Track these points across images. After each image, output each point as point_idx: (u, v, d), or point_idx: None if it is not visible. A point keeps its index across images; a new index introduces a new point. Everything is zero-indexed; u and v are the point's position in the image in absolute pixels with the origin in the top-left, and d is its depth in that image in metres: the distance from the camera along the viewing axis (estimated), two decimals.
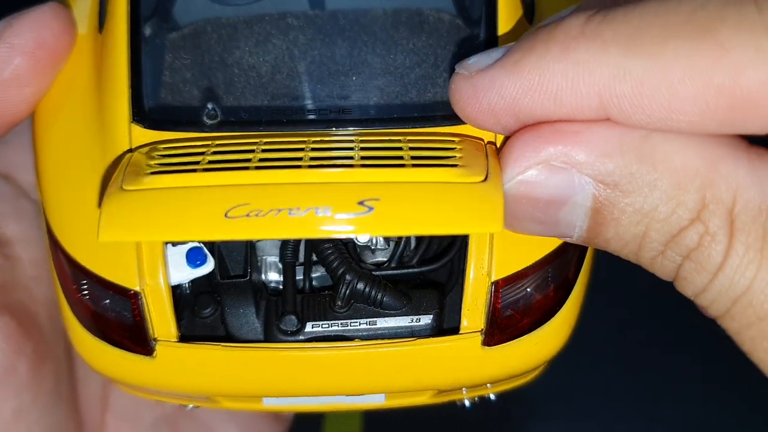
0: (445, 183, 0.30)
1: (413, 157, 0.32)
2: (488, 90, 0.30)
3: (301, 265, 0.39)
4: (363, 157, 0.32)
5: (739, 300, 0.28)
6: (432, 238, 0.39)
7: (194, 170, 0.31)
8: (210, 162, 0.32)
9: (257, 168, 0.31)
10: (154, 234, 0.30)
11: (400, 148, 0.33)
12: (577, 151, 0.29)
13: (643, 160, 0.29)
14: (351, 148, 0.32)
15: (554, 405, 1.51)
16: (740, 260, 0.28)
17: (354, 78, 0.37)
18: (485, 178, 0.31)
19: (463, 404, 0.42)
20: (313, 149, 0.32)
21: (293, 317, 0.37)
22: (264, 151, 0.33)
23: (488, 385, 0.41)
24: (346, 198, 0.29)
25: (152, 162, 0.33)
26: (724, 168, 0.28)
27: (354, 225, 0.29)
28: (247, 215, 0.29)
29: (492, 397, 0.42)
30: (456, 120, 0.33)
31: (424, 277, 0.39)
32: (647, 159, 0.29)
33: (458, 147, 0.33)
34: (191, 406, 0.42)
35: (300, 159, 0.31)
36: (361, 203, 0.29)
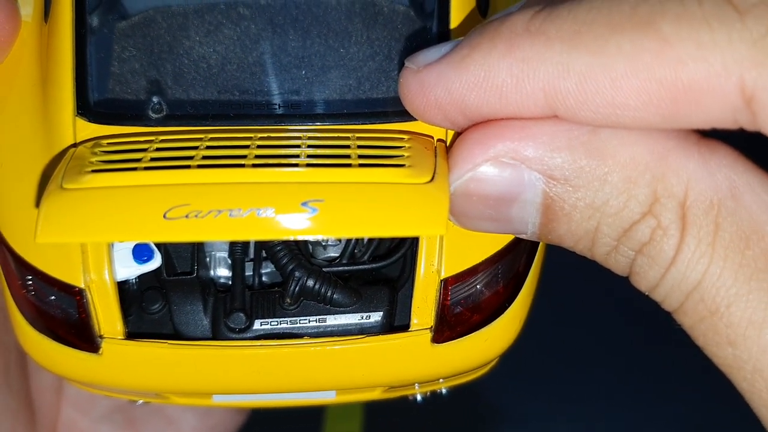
0: (390, 184, 0.30)
1: (360, 156, 0.31)
2: (435, 85, 0.30)
3: (251, 261, 0.38)
4: (309, 156, 0.31)
5: (691, 295, 0.28)
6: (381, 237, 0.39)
7: (135, 168, 0.31)
8: (152, 159, 0.31)
9: (199, 167, 0.30)
10: (92, 235, 0.30)
11: (347, 146, 0.32)
12: (526, 146, 0.29)
13: (592, 154, 0.29)
14: (297, 146, 0.32)
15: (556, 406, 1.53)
16: (692, 254, 0.28)
17: (305, 71, 0.36)
18: (432, 179, 0.31)
19: (415, 398, 0.42)
20: (259, 146, 0.32)
21: (241, 314, 0.36)
22: (208, 148, 0.32)
23: (440, 380, 0.41)
24: (289, 199, 0.29)
25: (94, 159, 0.32)
26: (674, 161, 0.28)
27: (297, 227, 0.28)
28: (186, 216, 0.28)
29: (443, 391, 0.42)
30: (408, 116, 0.33)
31: (375, 274, 0.38)
32: (596, 153, 0.29)
33: (407, 146, 0.33)
34: (141, 401, 0.42)
35: (244, 157, 0.31)
36: (304, 204, 0.29)
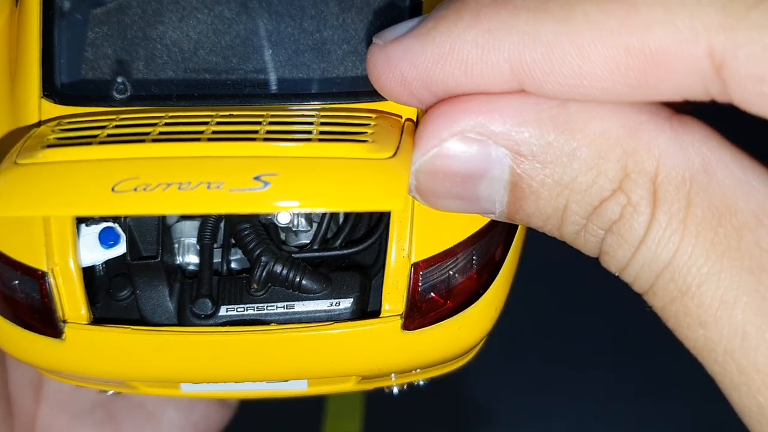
0: (349, 158, 0.29)
1: (322, 132, 0.30)
2: (401, 59, 0.29)
3: (220, 248, 0.38)
4: (269, 132, 0.30)
5: (662, 274, 0.27)
6: (357, 220, 0.38)
7: (89, 143, 0.30)
8: (109, 135, 0.31)
9: (154, 141, 0.29)
10: (41, 208, 0.29)
11: (310, 123, 0.31)
12: (492, 121, 0.28)
13: (561, 128, 0.27)
14: (259, 122, 0.31)
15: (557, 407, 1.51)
16: (663, 231, 0.26)
17: (272, 51, 0.35)
18: (394, 154, 0.29)
19: (391, 391, 0.41)
20: (219, 123, 0.31)
21: (207, 300, 0.35)
22: (167, 124, 0.31)
23: (417, 370, 0.39)
24: (241, 172, 0.28)
25: (52, 136, 0.32)
26: (645, 135, 0.27)
27: (248, 201, 0.27)
28: (135, 189, 0.27)
29: (421, 383, 0.41)
30: (378, 96, 0.32)
31: (348, 261, 0.37)
32: (565, 127, 0.27)
33: (372, 123, 0.32)
34: (111, 391, 0.41)
35: (201, 132, 0.30)
36: (257, 178, 0.28)
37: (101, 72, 0.36)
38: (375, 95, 0.32)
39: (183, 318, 0.36)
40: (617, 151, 0.27)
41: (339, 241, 0.37)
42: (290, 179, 0.28)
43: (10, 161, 0.30)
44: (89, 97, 0.35)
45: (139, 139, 0.30)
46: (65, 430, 0.49)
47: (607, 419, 1.50)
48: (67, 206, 0.28)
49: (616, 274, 0.29)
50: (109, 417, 0.50)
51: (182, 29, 0.36)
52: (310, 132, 0.30)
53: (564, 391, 1.53)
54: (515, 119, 0.28)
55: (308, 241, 0.38)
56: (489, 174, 0.29)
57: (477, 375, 1.53)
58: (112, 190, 0.27)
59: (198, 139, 0.29)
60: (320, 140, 0.30)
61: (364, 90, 0.35)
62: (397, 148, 0.30)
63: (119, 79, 0.35)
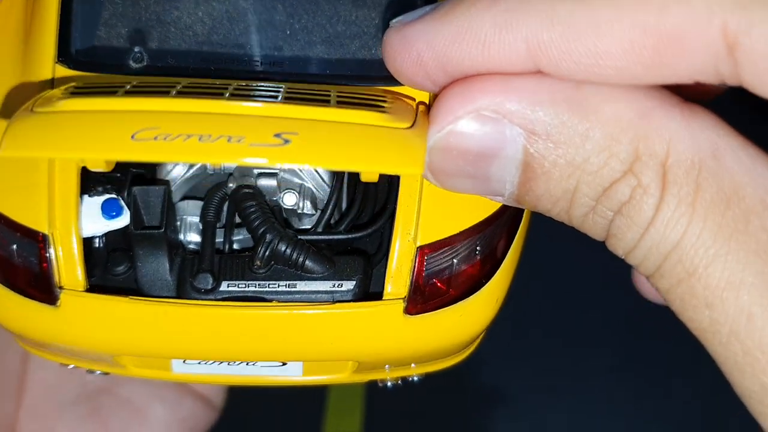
0: (368, 125, 0.29)
1: (339, 101, 0.31)
2: (417, 39, 0.30)
3: (222, 227, 0.37)
4: (287, 97, 0.30)
5: (669, 255, 0.27)
6: (362, 207, 0.38)
7: (108, 95, 0.30)
8: (127, 92, 0.31)
9: (176, 95, 0.30)
10: (56, 150, 0.29)
11: (328, 93, 0.32)
12: (508, 100, 0.29)
13: (575, 109, 0.28)
14: (277, 90, 0.31)
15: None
16: (672, 213, 0.27)
17: (290, 31, 0.36)
18: (412, 125, 0.30)
19: (385, 385, 0.40)
20: (237, 88, 0.31)
21: (208, 275, 0.35)
22: (186, 86, 0.31)
23: (413, 365, 0.39)
24: (262, 129, 0.28)
25: (68, 92, 0.31)
26: (657, 120, 0.27)
27: (267, 155, 0.27)
28: (155, 138, 0.27)
29: (415, 378, 0.40)
30: (392, 81, 0.32)
31: (352, 246, 0.37)
32: (579, 108, 0.28)
33: (388, 99, 0.32)
34: (98, 372, 0.40)
35: (221, 95, 0.30)
36: (277, 135, 0.28)
37: (118, 40, 0.36)
38: (389, 80, 0.33)
39: (182, 292, 0.35)
40: (629, 133, 0.28)
41: (343, 226, 0.37)
42: (310, 137, 0.28)
43: (25, 110, 0.30)
44: (104, 64, 0.35)
45: (154, 92, 0.30)
46: (49, 422, 0.48)
47: (606, 417, 1.50)
48: (84, 149, 0.28)
49: (623, 257, 0.30)
50: (94, 410, 0.49)
51: (203, 4, 0.36)
52: (328, 100, 0.31)
53: (563, 389, 1.53)
54: (531, 99, 0.28)
55: (312, 226, 0.38)
56: (502, 153, 0.29)
57: (477, 376, 1.53)
58: (132, 137, 0.27)
59: (219, 95, 0.29)
60: (339, 104, 0.30)
61: (378, 75, 0.35)
62: (414, 121, 0.30)
63: (136, 48, 0.36)
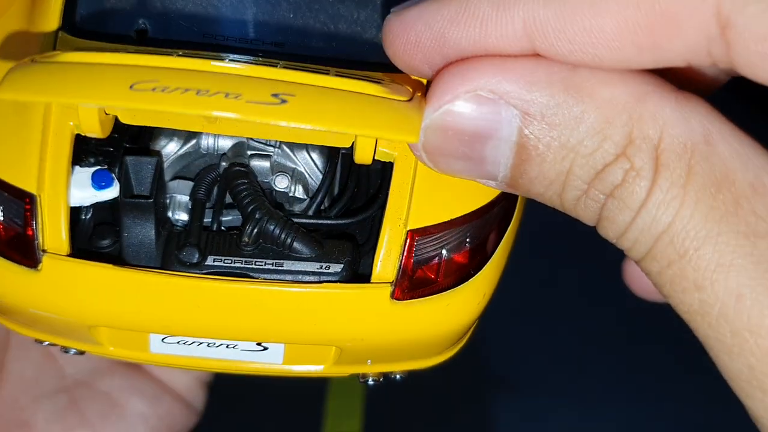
0: (366, 94, 0.29)
1: (338, 74, 0.31)
2: (416, 21, 0.30)
3: (212, 208, 0.37)
4: (287, 67, 0.31)
5: (660, 238, 0.27)
6: (354, 194, 0.37)
7: (110, 52, 0.30)
8: (129, 52, 0.31)
9: (178, 56, 0.30)
10: (53, 94, 0.28)
11: (327, 69, 0.32)
12: (505, 81, 0.29)
13: (571, 91, 0.28)
14: (278, 62, 0.32)
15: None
16: (664, 196, 0.27)
17: (292, 14, 0.36)
18: (408, 101, 0.30)
19: (366, 381, 0.39)
20: (239, 56, 0.32)
21: (194, 249, 0.35)
22: (188, 52, 0.32)
23: (395, 361, 0.38)
24: (260, 88, 0.28)
25: (70, 49, 0.32)
26: (651, 104, 0.28)
27: (263, 112, 0.27)
28: (153, 90, 0.27)
29: (397, 377, 0.39)
30: (390, 69, 0.33)
31: (343, 232, 0.37)
32: (575, 90, 0.28)
33: (386, 79, 0.33)
34: (73, 350, 0.39)
35: (223, 59, 0.30)
36: (275, 95, 0.28)
37: (123, 10, 0.36)
38: (388, 67, 0.33)
39: (167, 263, 0.35)
40: (623, 117, 0.28)
41: (335, 212, 0.37)
42: (308, 99, 0.28)
43: (27, 60, 0.30)
44: (108, 33, 0.36)
45: (163, 53, 0.30)
46: (26, 413, 0.47)
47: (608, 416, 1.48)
48: (81, 95, 0.28)
49: (614, 242, 0.29)
50: (71, 402, 0.48)
51: None
52: (327, 72, 0.31)
53: (568, 388, 1.51)
54: (527, 80, 0.29)
55: (303, 210, 0.38)
56: (497, 134, 0.29)
57: (477, 376, 1.50)
58: (131, 87, 0.27)
59: (220, 58, 0.30)
60: (337, 75, 0.30)
61: (377, 61, 0.35)
62: (410, 98, 0.30)
63: (141, 20, 0.36)
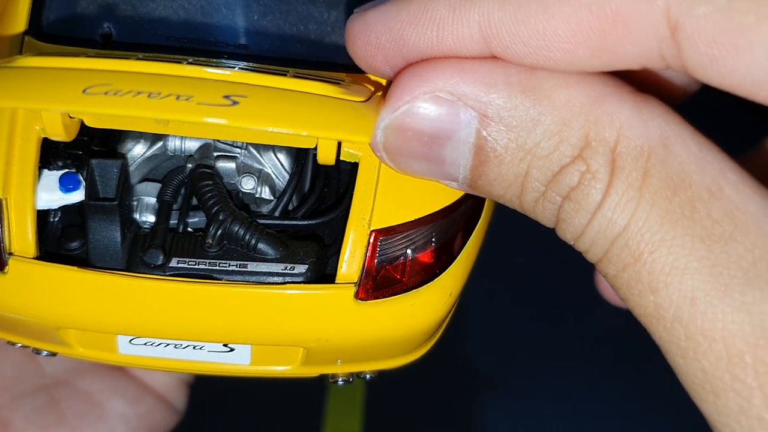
0: (320, 94, 0.29)
1: (296, 75, 0.31)
2: (376, 23, 0.30)
3: (179, 210, 0.37)
4: (244, 69, 0.31)
5: (616, 241, 0.27)
6: (321, 195, 0.38)
7: (69, 56, 0.30)
8: (88, 56, 0.31)
9: (137, 59, 0.30)
10: (7, 99, 0.29)
11: (286, 70, 0.32)
12: (463, 82, 0.29)
13: (528, 93, 0.28)
14: (236, 64, 0.32)
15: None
16: (619, 198, 0.27)
17: (256, 15, 0.36)
18: (365, 101, 0.30)
19: (336, 381, 0.40)
20: (198, 59, 0.32)
21: (159, 251, 0.35)
22: (147, 55, 0.32)
23: (364, 361, 0.38)
24: (212, 90, 0.28)
25: (30, 55, 0.32)
26: (608, 106, 0.28)
27: (214, 114, 0.27)
28: (105, 93, 0.28)
29: (367, 376, 0.39)
30: (354, 69, 0.33)
31: (309, 233, 0.37)
32: (532, 92, 0.28)
33: (346, 79, 0.33)
34: (45, 352, 0.39)
35: (181, 62, 0.31)
36: (227, 97, 0.28)
37: (88, 15, 0.36)
38: (351, 68, 0.33)
39: (132, 265, 0.35)
40: (580, 119, 0.28)
41: (301, 213, 0.37)
42: (259, 102, 0.28)
43: None
44: (73, 38, 0.36)
45: (121, 56, 0.30)
46: (5, 411, 0.47)
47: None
48: (36, 99, 0.28)
49: (571, 244, 0.29)
50: (51, 402, 0.48)
51: None
52: (285, 73, 0.31)
53: (566, 389, 1.52)
54: (485, 82, 0.29)
55: (269, 211, 0.38)
56: (456, 135, 0.29)
57: (477, 378, 1.51)
58: (83, 91, 0.28)
59: (176, 61, 0.30)
60: (295, 77, 0.30)
61: (342, 62, 0.35)
62: (369, 98, 0.30)
63: (105, 24, 0.36)
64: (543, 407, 1.50)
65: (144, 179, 0.38)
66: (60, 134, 0.34)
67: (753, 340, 0.25)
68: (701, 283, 0.26)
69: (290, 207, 0.38)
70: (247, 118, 0.27)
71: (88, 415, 0.49)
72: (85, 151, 0.37)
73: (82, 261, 0.35)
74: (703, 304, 0.26)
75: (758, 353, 0.25)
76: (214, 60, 0.33)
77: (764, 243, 0.26)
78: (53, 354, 0.39)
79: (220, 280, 0.34)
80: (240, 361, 0.37)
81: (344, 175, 0.38)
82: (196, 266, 0.35)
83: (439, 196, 0.35)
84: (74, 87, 0.28)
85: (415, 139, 0.30)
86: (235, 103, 0.28)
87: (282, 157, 0.38)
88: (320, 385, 1.44)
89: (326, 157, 0.34)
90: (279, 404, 1.35)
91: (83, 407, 0.49)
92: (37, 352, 0.39)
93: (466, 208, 0.36)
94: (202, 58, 0.33)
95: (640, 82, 0.31)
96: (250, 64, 0.32)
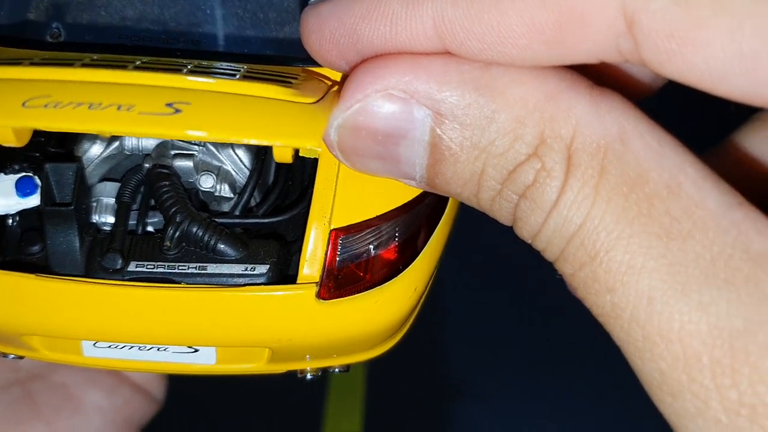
0: (269, 98, 0.28)
1: (246, 76, 0.30)
2: (330, 17, 0.29)
3: (138, 210, 0.37)
4: (193, 71, 0.30)
5: (572, 239, 0.27)
6: (282, 191, 0.37)
7: (11, 65, 0.29)
8: (31, 63, 0.30)
9: (79, 66, 0.29)
10: None
11: (237, 69, 0.31)
12: (417, 79, 0.28)
13: (481, 90, 0.27)
14: (185, 65, 0.31)
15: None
16: (575, 196, 0.26)
17: (208, 10, 0.35)
18: (317, 102, 0.29)
19: (305, 376, 0.39)
20: (145, 62, 0.31)
21: (117, 255, 0.34)
22: (93, 60, 0.31)
23: (333, 355, 0.38)
24: (153, 98, 0.27)
25: None
26: (564, 102, 0.27)
27: (156, 124, 0.26)
28: (45, 106, 0.27)
29: (336, 370, 0.39)
30: (311, 62, 0.32)
31: (273, 231, 0.36)
32: (486, 89, 0.27)
33: (301, 77, 0.32)
34: (12, 356, 0.39)
35: (125, 67, 0.30)
36: (169, 105, 0.27)
37: (37, 15, 0.35)
38: (309, 61, 0.32)
39: (90, 271, 0.34)
40: (535, 116, 0.27)
41: (262, 210, 0.37)
42: (202, 108, 0.27)
43: None
44: (21, 39, 0.35)
45: (62, 63, 0.29)
46: None
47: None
48: None
49: (529, 242, 0.29)
50: (26, 395, 0.48)
51: None
52: (234, 74, 0.30)
53: (559, 394, 1.53)
54: (438, 79, 0.28)
55: (230, 210, 0.37)
56: (410, 134, 0.29)
57: (477, 379, 1.52)
58: (23, 105, 0.27)
59: (119, 67, 0.29)
60: (244, 78, 0.29)
61: (299, 56, 0.34)
62: (321, 98, 0.30)
63: (54, 24, 0.35)
64: (547, 413, 1.51)
65: (103, 179, 0.38)
66: (11, 141, 0.33)
67: (710, 341, 0.25)
68: (658, 283, 0.25)
69: (253, 203, 0.37)
70: (189, 127, 0.26)
71: (64, 408, 0.49)
72: (42, 153, 0.36)
73: (42, 267, 0.35)
74: (660, 303, 0.25)
75: (715, 354, 0.25)
76: (164, 60, 0.32)
77: (723, 240, 0.25)
78: (20, 357, 0.39)
79: (179, 283, 0.34)
80: (205, 361, 0.37)
81: (309, 167, 0.37)
82: (154, 270, 0.34)
83: (402, 191, 0.34)
84: (13, 100, 0.27)
85: (370, 138, 0.29)
86: (177, 111, 0.27)
87: (241, 153, 0.37)
88: (320, 384, 1.44)
89: (283, 156, 0.33)
90: (279, 404, 1.36)
91: (59, 401, 0.49)
92: (4, 355, 0.39)
93: (430, 202, 0.35)
94: (152, 59, 0.32)
95: (604, 76, 0.31)
96: (202, 64, 0.31)
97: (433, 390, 1.45)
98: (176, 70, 0.29)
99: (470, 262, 1.58)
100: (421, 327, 0.41)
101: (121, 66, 0.29)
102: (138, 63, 0.30)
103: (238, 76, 0.30)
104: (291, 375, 0.40)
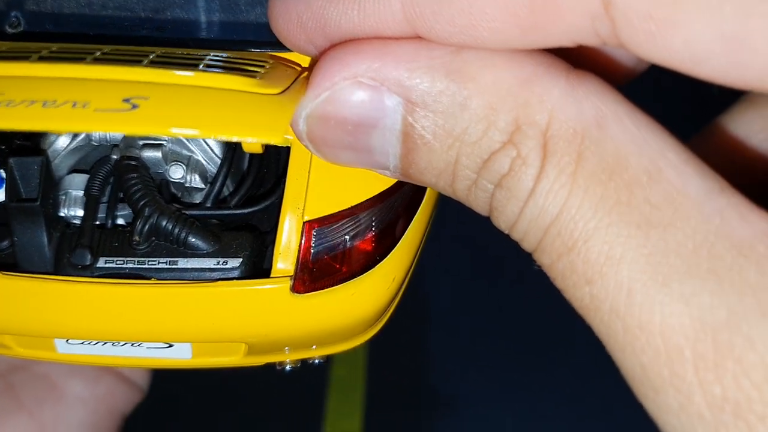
0: (231, 90, 0.27)
1: (209, 65, 0.29)
2: (298, 1, 0.28)
3: (107, 202, 0.36)
4: (153, 62, 0.29)
5: (549, 229, 0.26)
6: (256, 180, 0.36)
7: None
8: None
9: (35, 60, 0.28)
10: None
11: (201, 57, 0.30)
12: (386, 66, 0.27)
13: (453, 76, 0.26)
14: (147, 54, 0.30)
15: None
16: (551, 185, 0.25)
17: None
18: (282, 92, 0.28)
19: (284, 368, 0.39)
20: (105, 53, 0.29)
21: (86, 251, 0.33)
22: (51, 52, 0.29)
23: (312, 347, 0.37)
24: (109, 94, 0.26)
25: None
26: (539, 87, 0.26)
27: (112, 121, 0.25)
28: None
29: (316, 361, 0.39)
30: (281, 47, 0.30)
31: (244, 221, 0.35)
32: (457, 75, 0.26)
33: (268, 64, 0.31)
34: None
35: (83, 60, 0.28)
36: (126, 100, 0.26)
37: None
38: (278, 45, 0.31)
39: (59, 268, 0.33)
40: (509, 102, 0.26)
41: (234, 201, 0.35)
42: (160, 103, 0.26)
43: None
44: None
45: (17, 57, 0.28)
46: None
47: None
48: None
49: (507, 233, 0.28)
50: (7, 387, 0.47)
51: None
52: (197, 64, 0.29)
53: (568, 397, 1.53)
54: (408, 65, 0.27)
55: (201, 201, 0.36)
56: (381, 123, 0.28)
57: (477, 380, 1.52)
58: None
59: (76, 60, 0.28)
60: (206, 69, 0.28)
61: (267, 40, 0.33)
62: (288, 88, 0.28)
63: (12, 13, 0.34)
64: (547, 416, 1.50)
65: (72, 170, 0.36)
66: None
67: (692, 334, 0.24)
68: (638, 274, 0.24)
69: (227, 192, 0.36)
70: (146, 123, 0.25)
71: (46, 399, 0.48)
72: (6, 146, 0.35)
73: (10, 264, 0.34)
74: (640, 295, 0.24)
75: (698, 348, 0.24)
76: (125, 49, 0.31)
77: (705, 228, 0.24)
78: None
79: (149, 278, 0.33)
80: (181, 356, 0.36)
81: (284, 153, 0.36)
82: (124, 266, 0.33)
83: (378, 179, 0.33)
84: None
85: (339, 128, 0.28)
86: (135, 106, 0.26)
87: (212, 142, 0.36)
88: (320, 384, 1.43)
89: (252, 146, 0.32)
90: (279, 404, 1.35)
91: (41, 392, 0.48)
92: None
93: (407, 191, 0.34)
94: (113, 48, 0.30)
95: (584, 60, 0.29)
96: (165, 52, 0.30)
97: (433, 390, 1.45)
98: (137, 62, 0.28)
99: (450, 252, 1.58)
100: (402, 318, 0.40)
101: (80, 58, 0.28)
102: (98, 54, 0.29)
103: (201, 66, 0.28)
104: (293, 372, 0.40)
